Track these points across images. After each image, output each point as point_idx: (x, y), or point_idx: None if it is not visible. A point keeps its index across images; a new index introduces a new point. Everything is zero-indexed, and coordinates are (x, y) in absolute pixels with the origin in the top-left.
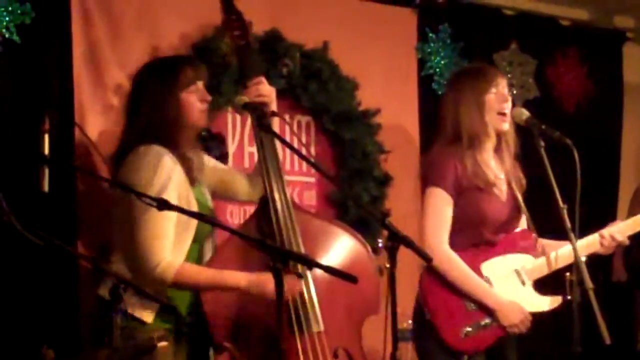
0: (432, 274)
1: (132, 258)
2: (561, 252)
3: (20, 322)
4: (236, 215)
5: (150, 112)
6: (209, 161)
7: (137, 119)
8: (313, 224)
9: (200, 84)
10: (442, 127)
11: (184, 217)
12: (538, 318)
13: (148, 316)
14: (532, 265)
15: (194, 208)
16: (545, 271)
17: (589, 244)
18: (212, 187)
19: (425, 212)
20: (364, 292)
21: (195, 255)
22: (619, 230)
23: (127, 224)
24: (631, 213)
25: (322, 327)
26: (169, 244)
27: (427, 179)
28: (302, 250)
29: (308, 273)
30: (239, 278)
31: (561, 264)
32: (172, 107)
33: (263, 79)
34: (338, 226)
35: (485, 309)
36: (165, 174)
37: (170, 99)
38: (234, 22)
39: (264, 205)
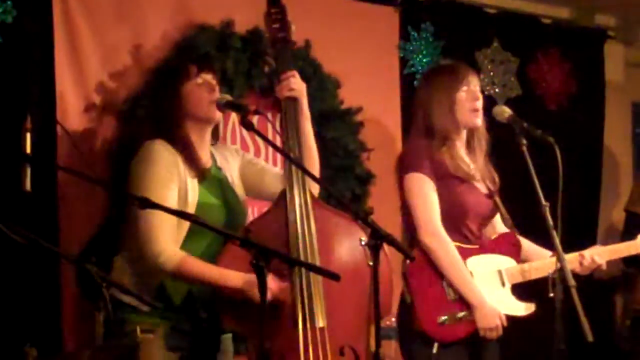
0: (420, 258)
1: (136, 249)
2: (543, 263)
3: (3, 320)
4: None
5: (153, 107)
6: (251, 159)
7: (143, 115)
8: (332, 221)
9: (208, 77)
10: (415, 123)
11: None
12: (517, 320)
13: (143, 305)
14: (515, 269)
15: (192, 204)
16: (525, 278)
17: (569, 261)
18: (249, 184)
19: (410, 199)
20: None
21: (200, 250)
22: (600, 253)
23: (132, 217)
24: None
25: (325, 323)
26: (171, 232)
27: (405, 166)
28: (316, 249)
29: None
30: (237, 278)
31: (541, 274)
32: (174, 99)
33: (296, 73)
34: (356, 224)
35: (464, 302)
36: (164, 169)
37: (171, 92)
38: (276, 15)
39: (282, 200)
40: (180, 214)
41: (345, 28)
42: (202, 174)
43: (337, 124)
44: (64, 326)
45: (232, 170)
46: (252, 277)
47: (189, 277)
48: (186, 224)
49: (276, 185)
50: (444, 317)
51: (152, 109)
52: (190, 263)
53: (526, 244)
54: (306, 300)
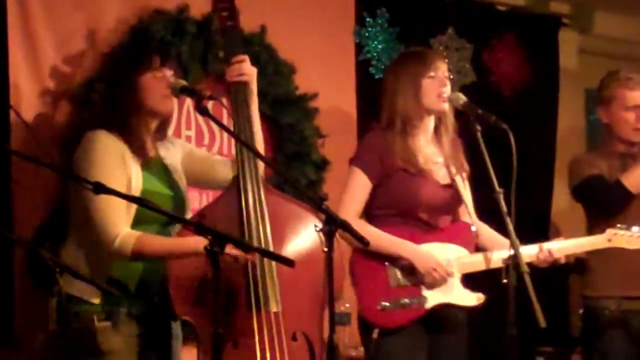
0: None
1: (88, 236)
2: (496, 255)
3: None
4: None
5: (106, 95)
6: (192, 149)
7: (93, 102)
8: (283, 207)
9: (167, 72)
10: (380, 112)
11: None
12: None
13: (95, 296)
14: (466, 259)
15: (137, 192)
16: (476, 269)
17: (526, 253)
18: (192, 174)
19: (345, 188)
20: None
21: None
22: (558, 248)
23: (80, 205)
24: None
25: (280, 308)
26: (123, 216)
27: (353, 157)
28: (269, 234)
29: None
30: (198, 241)
31: (493, 266)
32: (130, 89)
33: (246, 58)
34: (308, 210)
35: (409, 289)
36: (110, 158)
37: (126, 82)
38: (224, 3)
39: (235, 186)
40: (136, 200)
41: (301, 14)
42: (146, 162)
43: (292, 110)
44: (17, 312)
45: (174, 160)
46: None
47: (149, 254)
48: (132, 212)
49: (227, 172)
50: (385, 303)
51: (107, 94)
52: (147, 239)
53: (487, 232)
54: (260, 285)
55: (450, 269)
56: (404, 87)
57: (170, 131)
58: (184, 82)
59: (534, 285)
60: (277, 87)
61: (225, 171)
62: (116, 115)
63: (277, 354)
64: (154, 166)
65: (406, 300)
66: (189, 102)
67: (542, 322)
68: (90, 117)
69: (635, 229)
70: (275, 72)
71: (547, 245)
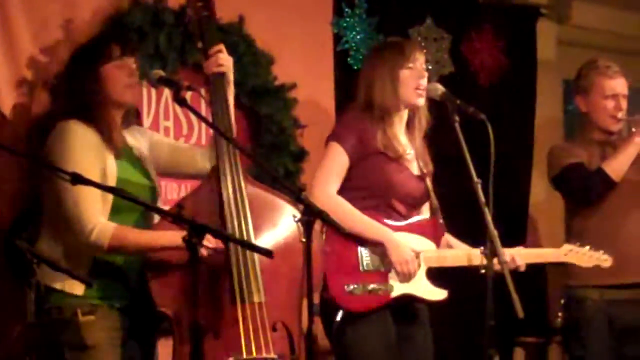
0: None
1: (64, 229)
2: (461, 253)
3: None
4: (170, 191)
5: (73, 86)
6: (158, 138)
7: (62, 94)
8: (262, 198)
9: (129, 60)
10: (357, 95)
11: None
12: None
13: (78, 289)
14: (432, 253)
15: (112, 182)
16: (441, 264)
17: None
18: (160, 163)
19: (320, 163)
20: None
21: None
22: (522, 255)
23: (54, 197)
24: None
25: (263, 298)
26: (99, 207)
27: (331, 134)
28: (250, 225)
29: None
30: (176, 235)
31: (458, 263)
32: (92, 80)
33: (223, 48)
34: (286, 201)
35: (378, 275)
36: (83, 148)
37: (90, 72)
38: None
39: (214, 176)
40: (114, 191)
41: (279, 4)
42: (118, 152)
43: (270, 100)
44: None
45: (142, 149)
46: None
47: (126, 248)
48: (108, 203)
49: (198, 160)
50: (353, 286)
51: (70, 86)
52: (125, 232)
53: (451, 239)
54: (243, 275)
55: (418, 261)
56: (381, 78)
57: (148, 122)
58: (161, 73)
59: (512, 277)
60: (255, 77)
61: (195, 160)
62: (83, 106)
63: (262, 345)
64: (125, 155)
65: (374, 286)
66: (167, 92)
67: (521, 313)
68: (61, 107)
69: (587, 248)
70: (253, 62)
71: (508, 251)
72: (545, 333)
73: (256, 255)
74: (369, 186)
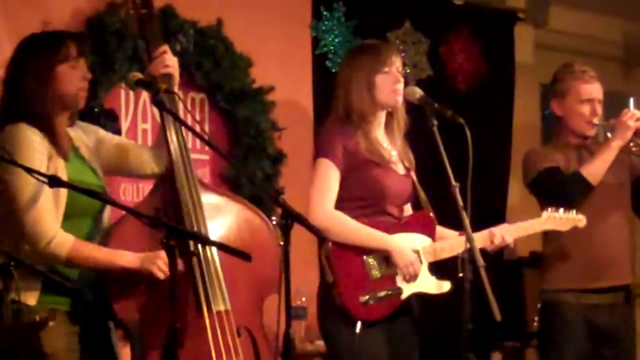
0: None
1: (19, 236)
2: (455, 242)
3: None
4: (129, 193)
5: (24, 85)
6: (105, 136)
7: (10, 94)
8: (214, 200)
9: (82, 61)
10: (335, 105)
11: (55, 193)
12: (428, 299)
13: (31, 298)
14: (431, 247)
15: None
16: (440, 256)
17: (479, 239)
18: (107, 161)
19: (312, 182)
20: (265, 270)
21: (85, 232)
22: (510, 231)
23: (7, 204)
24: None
25: (228, 306)
26: (54, 214)
27: (317, 150)
28: (208, 224)
29: (214, 250)
30: (132, 259)
31: (452, 253)
32: (45, 80)
33: (167, 48)
34: (239, 202)
35: (385, 281)
36: (35, 151)
37: (43, 71)
38: None
39: (168, 179)
40: (90, 192)
41: (258, 7)
42: (66, 154)
43: (248, 103)
44: None
45: (88, 148)
46: (149, 254)
47: (82, 262)
48: (62, 208)
49: (145, 159)
50: (366, 297)
51: (21, 84)
52: (83, 247)
53: (442, 229)
54: (208, 283)
55: (419, 257)
56: (357, 82)
57: (126, 125)
58: (140, 75)
59: (490, 280)
60: (234, 80)
61: (142, 159)
62: (32, 107)
63: (233, 352)
64: (73, 156)
65: (386, 292)
66: (145, 95)
67: (498, 316)
68: (10, 107)
69: (561, 210)
70: (231, 65)
71: (496, 230)
72: (523, 337)
73: (218, 262)
74: (363, 196)
